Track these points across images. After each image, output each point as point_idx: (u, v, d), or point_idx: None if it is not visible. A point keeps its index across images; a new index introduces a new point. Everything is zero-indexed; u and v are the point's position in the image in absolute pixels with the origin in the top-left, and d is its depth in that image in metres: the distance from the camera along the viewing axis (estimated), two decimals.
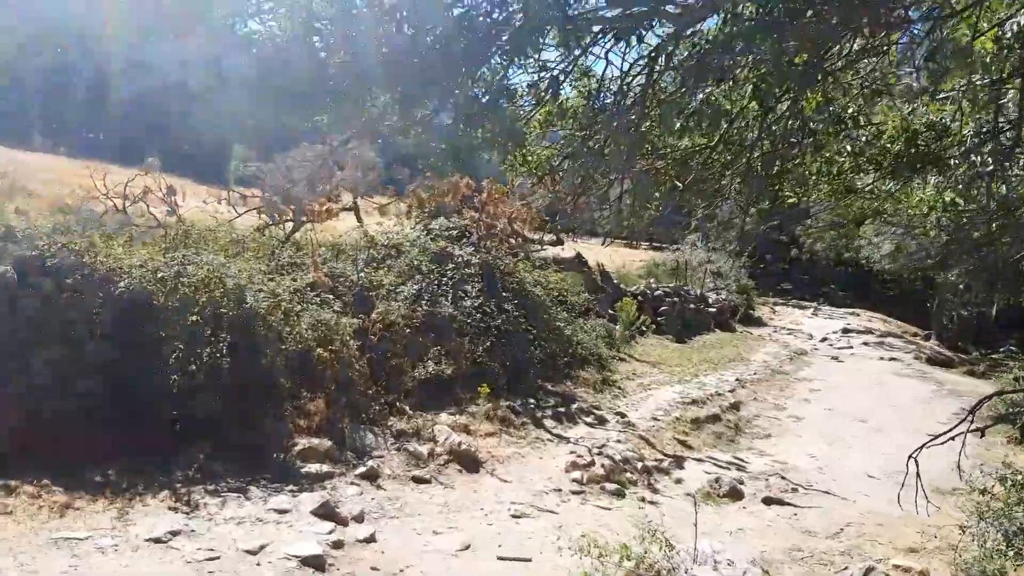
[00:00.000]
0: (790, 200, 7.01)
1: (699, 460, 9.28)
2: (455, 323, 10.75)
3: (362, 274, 10.55)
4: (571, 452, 8.81)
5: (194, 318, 7.14)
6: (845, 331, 27.58)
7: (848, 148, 5.60)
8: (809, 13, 3.26)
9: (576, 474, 8.14)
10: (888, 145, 5.44)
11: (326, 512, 6.30)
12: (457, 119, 5.34)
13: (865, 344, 24.95)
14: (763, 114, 4.79)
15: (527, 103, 5.33)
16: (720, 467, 9.08)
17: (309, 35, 4.09)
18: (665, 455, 9.27)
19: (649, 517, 6.59)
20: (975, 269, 28.70)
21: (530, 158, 5.85)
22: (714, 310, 22.97)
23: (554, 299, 13.77)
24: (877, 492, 8.27)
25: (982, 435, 5.93)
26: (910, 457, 5.18)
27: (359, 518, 6.44)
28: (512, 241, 13.13)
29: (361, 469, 7.40)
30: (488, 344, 10.78)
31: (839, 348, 23.43)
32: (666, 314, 19.00)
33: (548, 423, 9.83)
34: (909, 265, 30.97)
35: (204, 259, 7.93)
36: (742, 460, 9.46)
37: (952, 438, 5.22)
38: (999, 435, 10.34)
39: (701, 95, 4.60)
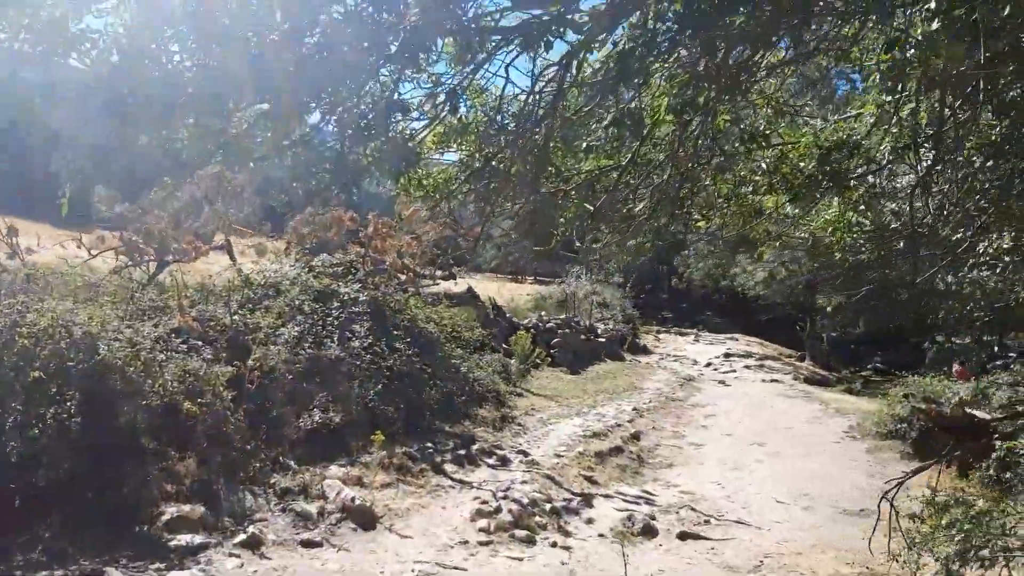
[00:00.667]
0: (698, 223, 6.82)
1: (608, 496, 8.90)
2: (343, 366, 9.98)
3: (236, 316, 9.62)
4: (475, 498, 8.22)
5: (35, 374, 6.13)
6: (727, 356, 28.42)
7: (762, 167, 5.42)
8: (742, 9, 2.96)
9: (482, 523, 7.55)
10: (800, 164, 5.29)
11: None
12: (342, 136, 4.77)
13: (747, 368, 25.74)
14: (679, 129, 4.52)
15: (421, 118, 4.83)
16: (629, 502, 8.73)
17: (160, 31, 3.44)
18: (573, 493, 8.82)
19: (569, 567, 6.09)
20: (842, 294, 30.43)
21: (426, 181, 5.32)
22: (604, 340, 23.06)
23: (448, 335, 13.21)
24: (787, 518, 8.16)
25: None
26: (883, 498, 4.87)
27: None
28: (402, 276, 12.51)
29: (241, 537, 6.51)
30: (380, 387, 10.05)
31: (724, 373, 24.02)
32: (559, 346, 18.81)
33: (448, 468, 9.20)
34: (781, 290, 32.66)
35: (47, 306, 6.87)
36: (650, 493, 9.16)
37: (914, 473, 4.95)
38: (891, 451, 10.61)
39: (615, 107, 4.25)
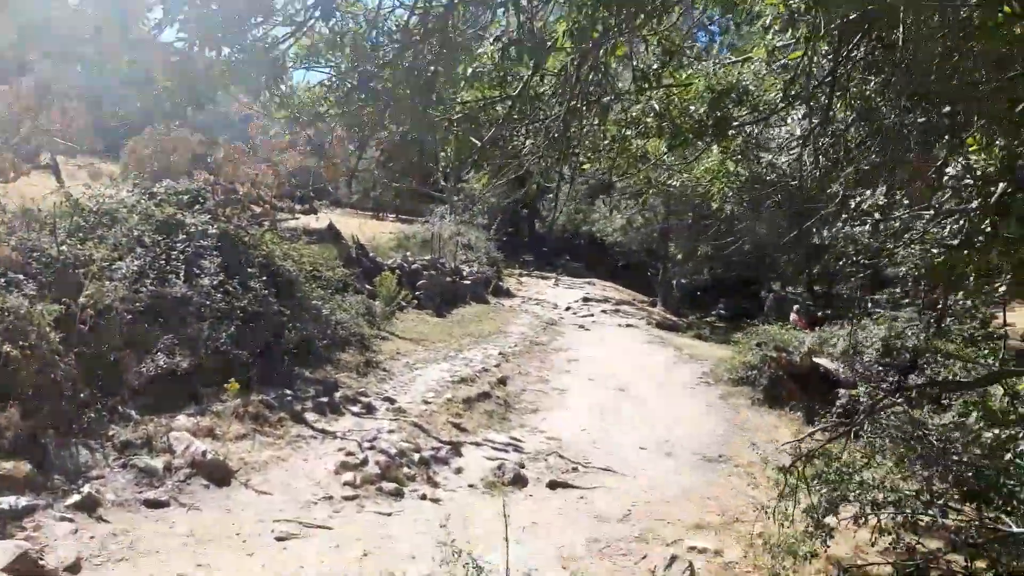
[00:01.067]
0: (584, 166, 6.46)
1: (477, 444, 8.68)
2: (191, 305, 9.04)
3: (64, 247, 8.40)
4: (340, 449, 7.73)
5: None
6: (585, 300, 29.06)
7: (654, 107, 5.10)
8: None
9: (348, 476, 7.10)
10: (690, 108, 5.03)
11: (26, 568, 4.67)
12: (190, 39, 3.99)
13: (603, 312, 26.40)
14: (576, 57, 4.11)
15: (287, 24, 4.11)
16: (498, 450, 8.56)
17: None
18: (441, 442, 8.53)
19: (443, 524, 5.79)
20: (692, 243, 31.69)
21: (289, 100, 4.58)
22: (469, 282, 22.80)
23: (308, 275, 12.38)
24: (652, 465, 8.28)
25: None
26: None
27: (74, 568, 4.91)
28: (256, 208, 11.49)
29: (75, 498, 5.73)
30: (233, 329, 9.22)
31: (583, 317, 24.46)
32: (424, 288, 18.32)
33: (310, 416, 8.62)
34: (637, 238, 33.71)
35: None
36: (518, 440, 9.04)
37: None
38: (743, 397, 11.09)
39: (512, 26, 3.76)
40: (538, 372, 12.91)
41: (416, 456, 7.89)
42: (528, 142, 5.07)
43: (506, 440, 8.95)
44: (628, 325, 23.06)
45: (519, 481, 7.52)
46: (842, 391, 9.46)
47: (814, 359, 9.98)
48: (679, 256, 32.66)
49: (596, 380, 12.38)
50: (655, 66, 5.09)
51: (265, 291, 10.31)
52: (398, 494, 6.94)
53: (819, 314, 29.06)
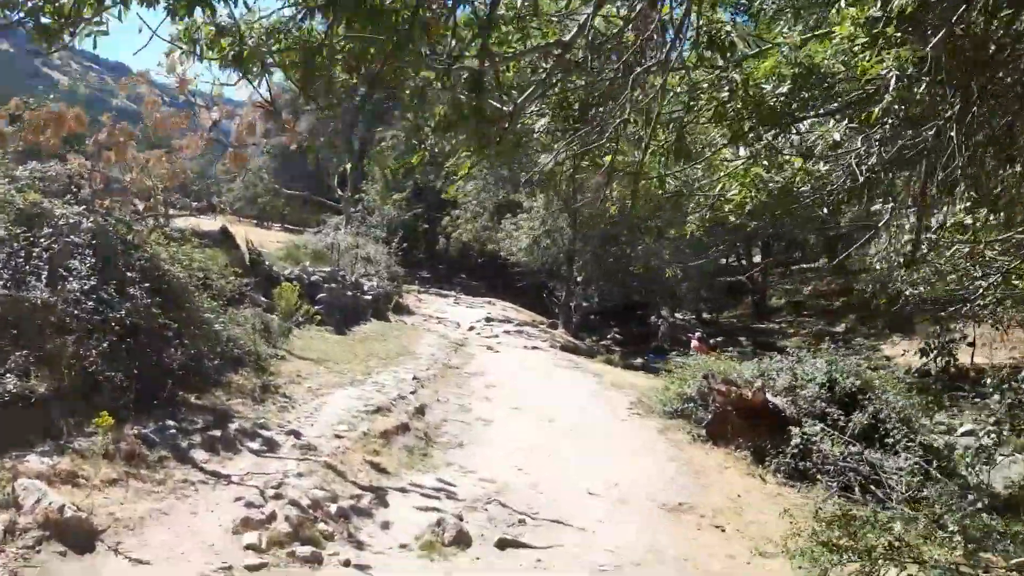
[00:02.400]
0: (617, 157, 5.29)
1: (402, 490, 7.46)
2: (54, 315, 7.38)
3: None
4: (238, 499, 6.34)
5: None
6: (488, 320, 28.15)
7: (733, 79, 4.09)
8: None
9: (251, 536, 5.73)
10: (764, 87, 4.08)
11: None
12: None
13: (507, 333, 25.58)
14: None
15: None
16: (428, 497, 7.38)
17: None
18: (361, 488, 7.26)
19: None
20: (597, 265, 31.44)
21: (232, 30, 3.30)
22: (370, 298, 21.35)
23: (198, 283, 10.75)
24: (608, 515, 7.33)
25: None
26: None
27: None
28: (142, 202, 9.80)
29: None
30: (106, 345, 7.60)
31: (487, 337, 23.50)
32: (324, 302, 16.77)
33: (199, 455, 7.15)
34: (541, 258, 33.15)
35: None
36: (448, 484, 7.87)
37: None
38: (682, 432, 10.38)
39: None
40: (457, 399, 11.77)
41: (333, 507, 6.59)
42: (543, 121, 4.01)
43: (435, 484, 7.76)
44: (534, 347, 22.28)
45: (462, 540, 6.35)
46: (794, 430, 8.91)
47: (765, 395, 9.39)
48: (579, 279, 32.35)
49: (521, 409, 11.38)
50: (728, 30, 4.01)
51: (148, 300, 8.70)
52: (316, 560, 5.63)
53: (711, 341, 29.51)
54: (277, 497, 6.47)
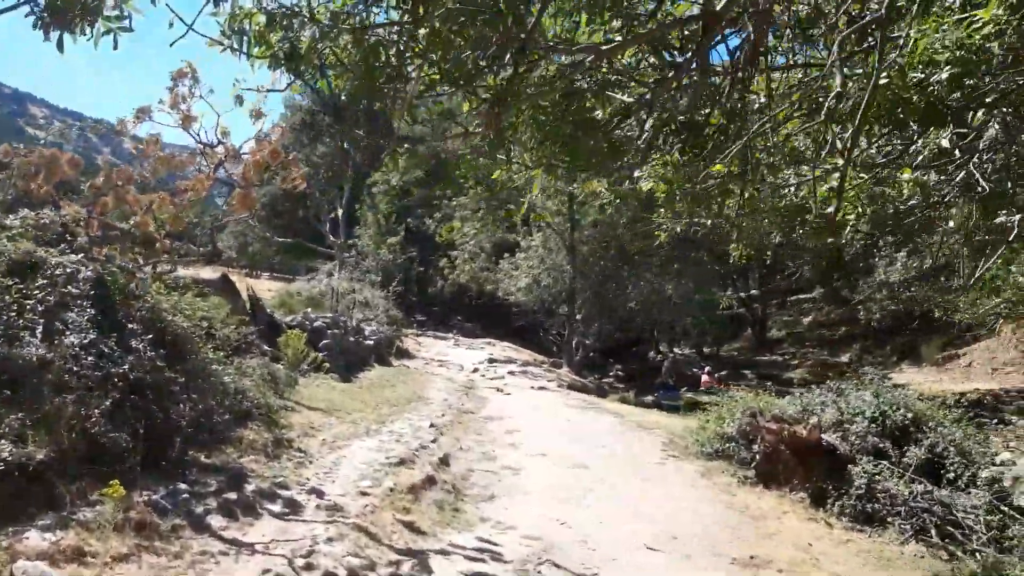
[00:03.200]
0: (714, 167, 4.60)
1: (443, 552, 6.75)
2: (51, 373, 6.72)
3: None
4: (265, 572, 5.64)
5: None
6: (491, 361, 27.57)
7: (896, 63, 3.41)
8: None
9: None
10: (915, 78, 3.49)
11: None
12: None
13: (512, 373, 24.96)
14: None
15: None
16: (473, 560, 6.66)
17: None
18: (398, 551, 6.55)
19: None
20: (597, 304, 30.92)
21: (282, 32, 2.75)
22: (372, 343, 20.73)
23: (202, 333, 10.11)
24: (680, 573, 6.62)
25: None
26: None
27: None
28: (144, 250, 9.20)
29: None
30: (109, 403, 6.93)
31: (493, 379, 22.85)
32: (329, 348, 16.12)
33: (216, 522, 6.44)
34: (540, 296, 32.63)
35: None
36: (490, 543, 7.16)
37: None
38: (726, 475, 9.72)
39: None
40: (479, 447, 11.08)
41: None
42: (649, 121, 3.46)
43: (476, 544, 7.06)
44: (541, 388, 21.67)
45: None
46: (854, 468, 8.28)
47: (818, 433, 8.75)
48: (579, 317, 31.80)
49: (548, 456, 10.69)
50: None
51: (151, 352, 8.06)
52: None
53: (716, 376, 28.86)
54: (309, 568, 5.78)
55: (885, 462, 8.47)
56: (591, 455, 10.81)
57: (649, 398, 24.68)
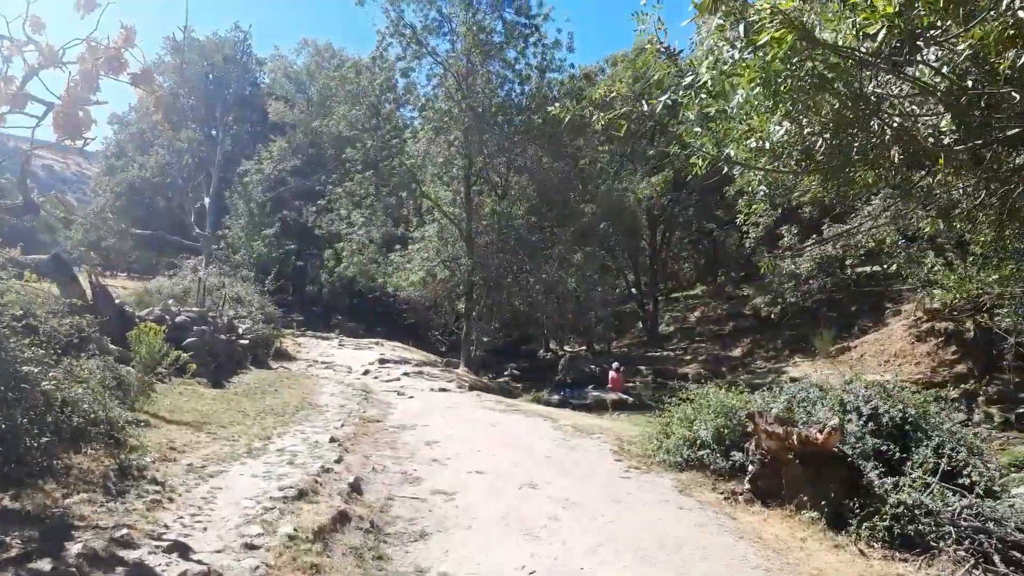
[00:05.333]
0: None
1: None
2: None
3: None
4: None
5: None
6: (382, 362, 25.21)
7: None
8: None
9: None
10: None
11: None
12: None
13: (407, 375, 22.75)
14: None
15: None
16: None
17: None
18: None
19: None
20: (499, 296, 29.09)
21: None
22: (247, 342, 17.90)
23: (17, 324, 7.33)
24: None
25: None
26: None
27: None
28: None
29: None
30: None
31: (388, 381, 20.52)
32: (195, 348, 13.30)
33: None
34: (439, 292, 30.34)
35: None
36: None
37: None
38: (706, 489, 7.98)
39: None
40: (397, 465, 8.84)
41: None
42: None
43: None
44: (443, 389, 19.57)
45: None
46: (882, 482, 6.73)
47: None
48: (475, 314, 29.73)
49: (487, 473, 8.61)
50: None
51: None
52: None
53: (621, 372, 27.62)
54: None
55: (916, 471, 6.99)
56: (539, 470, 8.82)
57: (555, 397, 23.09)
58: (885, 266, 24.75)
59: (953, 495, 6.66)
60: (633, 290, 44.36)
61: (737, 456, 8.13)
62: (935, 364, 25.76)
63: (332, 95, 29.69)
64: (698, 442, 8.62)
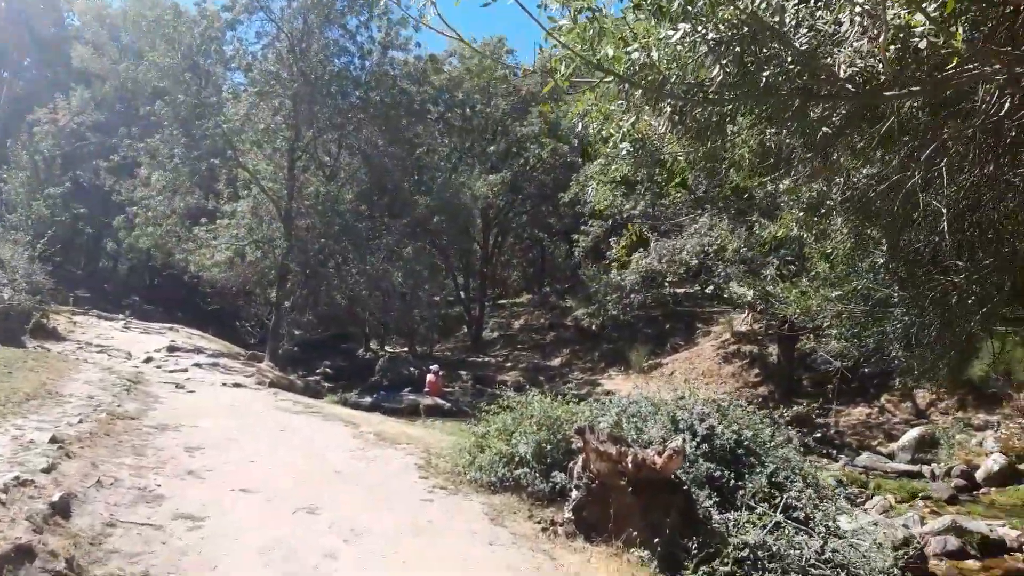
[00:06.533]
0: None
1: None
2: None
3: None
4: None
5: None
6: (171, 350, 22.25)
7: None
8: None
9: None
10: None
11: None
12: None
13: (198, 366, 20.10)
14: None
15: None
16: None
17: None
18: None
19: None
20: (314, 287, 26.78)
21: None
22: None
23: None
24: None
25: None
26: None
27: None
28: None
29: None
30: None
31: (172, 372, 17.85)
32: None
33: None
34: (248, 275, 27.35)
35: None
36: None
37: None
38: (520, 517, 6.68)
39: None
40: (136, 477, 6.84)
41: None
42: None
43: None
44: (237, 385, 17.18)
45: None
46: (725, 517, 5.79)
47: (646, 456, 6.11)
48: (287, 304, 27.05)
49: (255, 492, 6.82)
50: None
51: None
52: None
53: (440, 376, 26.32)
54: None
55: (752, 501, 6.16)
56: (324, 488, 7.16)
57: (367, 399, 21.38)
58: (700, 286, 25.47)
59: (797, 535, 5.86)
60: (461, 293, 43.39)
61: (559, 477, 6.97)
62: (740, 385, 26.69)
63: (148, 42, 26.11)
64: (516, 459, 7.37)
